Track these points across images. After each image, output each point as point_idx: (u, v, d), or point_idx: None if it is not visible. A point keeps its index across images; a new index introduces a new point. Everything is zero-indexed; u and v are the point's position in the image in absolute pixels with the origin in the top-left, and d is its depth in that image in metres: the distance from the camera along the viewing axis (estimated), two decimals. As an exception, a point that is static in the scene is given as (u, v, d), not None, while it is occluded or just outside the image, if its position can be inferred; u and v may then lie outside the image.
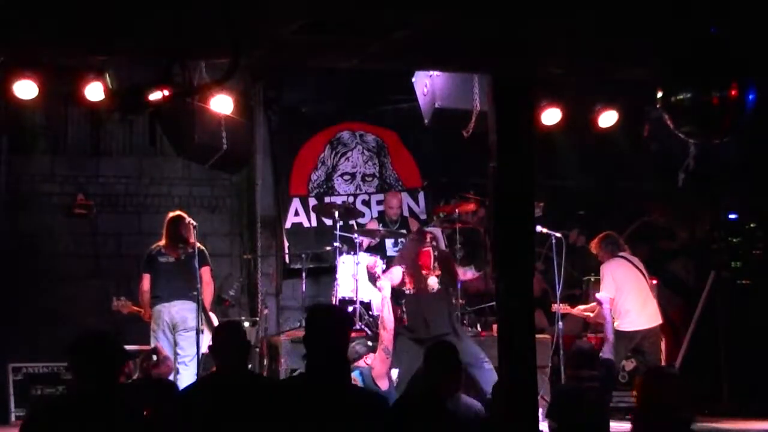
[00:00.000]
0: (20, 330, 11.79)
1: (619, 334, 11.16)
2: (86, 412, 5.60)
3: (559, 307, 11.15)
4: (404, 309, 10.27)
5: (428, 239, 10.42)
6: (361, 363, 9.56)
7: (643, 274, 11.32)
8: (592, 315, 11.60)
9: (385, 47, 7.36)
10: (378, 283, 10.56)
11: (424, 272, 10.22)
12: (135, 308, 10.76)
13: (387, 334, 9.62)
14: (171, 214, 10.91)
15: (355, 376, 9.00)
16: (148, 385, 8.70)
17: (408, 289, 10.31)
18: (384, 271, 11.03)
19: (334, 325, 5.55)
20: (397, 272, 10.35)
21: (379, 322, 10.14)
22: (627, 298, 11.16)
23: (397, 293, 10.29)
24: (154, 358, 9.20)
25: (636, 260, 11.39)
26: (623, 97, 10.86)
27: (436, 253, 10.31)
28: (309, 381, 5.46)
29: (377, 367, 9.43)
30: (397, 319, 10.09)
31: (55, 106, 11.53)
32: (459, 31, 7.12)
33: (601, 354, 11.26)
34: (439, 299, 10.32)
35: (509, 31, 7.03)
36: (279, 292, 13.52)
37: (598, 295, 11.29)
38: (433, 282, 10.22)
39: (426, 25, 6.94)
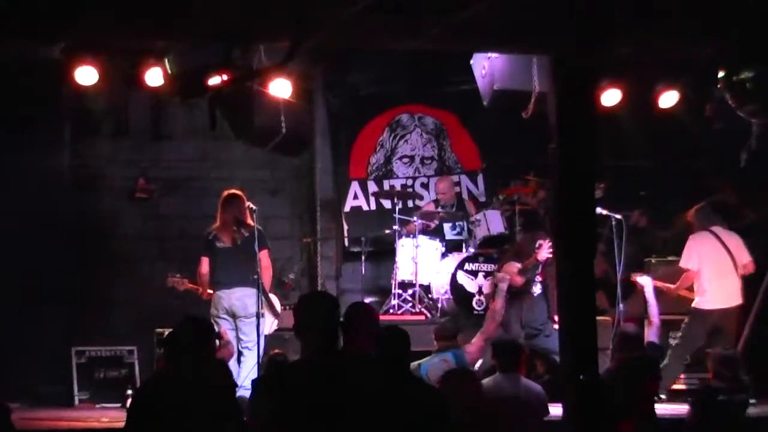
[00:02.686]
0: (84, 313, 11.88)
1: (696, 312, 11.06)
2: (187, 388, 6.06)
3: (643, 280, 10.81)
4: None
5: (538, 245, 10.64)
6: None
7: (730, 252, 11.11)
8: (672, 287, 11.33)
9: (447, 29, 7.34)
10: (499, 274, 10.78)
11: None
12: (191, 285, 10.53)
13: (494, 326, 9.72)
14: (225, 192, 10.60)
15: (448, 356, 8.91)
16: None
17: (515, 287, 10.65)
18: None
19: (322, 310, 5.57)
20: (514, 269, 10.76)
21: (488, 312, 10.30)
22: (705, 275, 11.03)
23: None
24: (217, 342, 9.22)
25: (726, 236, 11.14)
26: (687, 76, 10.73)
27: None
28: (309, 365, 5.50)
29: (473, 354, 9.33)
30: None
31: (117, 91, 11.57)
32: (521, 12, 7.09)
33: (647, 338, 11.08)
34: (540, 302, 10.88)
35: (573, 11, 6.98)
36: (339, 275, 13.53)
37: (638, 279, 10.94)
38: (537, 288, 10.82)
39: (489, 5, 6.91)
